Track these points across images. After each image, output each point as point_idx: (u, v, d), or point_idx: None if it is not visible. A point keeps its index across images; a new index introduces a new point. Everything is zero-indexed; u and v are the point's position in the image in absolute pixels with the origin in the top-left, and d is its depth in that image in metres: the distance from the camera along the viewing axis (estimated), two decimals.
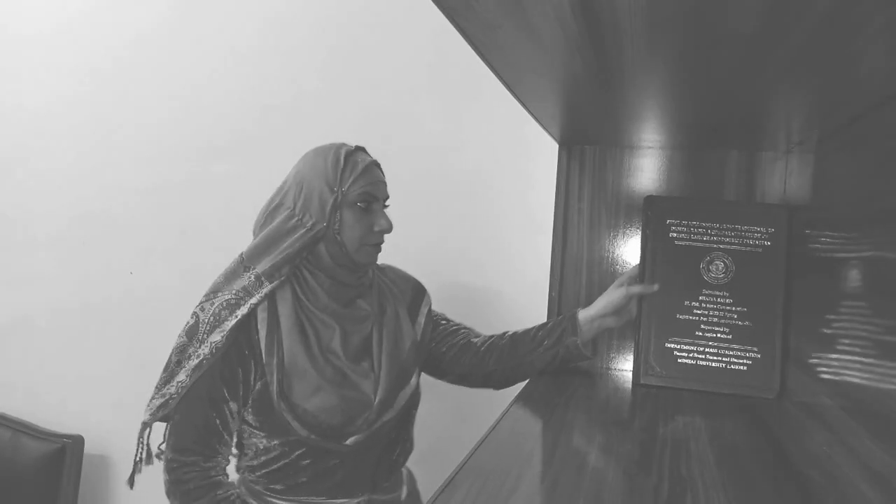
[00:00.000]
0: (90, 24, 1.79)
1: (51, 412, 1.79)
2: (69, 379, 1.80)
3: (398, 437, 1.04)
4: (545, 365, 1.05)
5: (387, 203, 1.04)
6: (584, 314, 1.04)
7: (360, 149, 1.04)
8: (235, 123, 1.70)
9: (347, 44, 1.63)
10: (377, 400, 0.98)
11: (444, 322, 1.13)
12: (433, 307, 1.13)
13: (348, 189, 0.98)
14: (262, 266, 0.97)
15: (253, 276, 0.98)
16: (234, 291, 0.98)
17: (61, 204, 1.81)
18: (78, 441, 1.68)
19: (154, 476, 1.85)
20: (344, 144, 1.03)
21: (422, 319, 1.09)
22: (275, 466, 0.97)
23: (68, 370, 1.80)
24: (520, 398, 0.94)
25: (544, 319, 1.16)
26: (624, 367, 1.14)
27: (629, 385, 1.05)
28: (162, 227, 1.75)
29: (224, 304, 0.97)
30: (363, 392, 0.98)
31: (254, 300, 0.96)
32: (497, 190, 1.53)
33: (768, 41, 0.52)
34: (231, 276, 0.99)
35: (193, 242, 1.74)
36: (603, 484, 0.61)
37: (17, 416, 1.75)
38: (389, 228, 1.00)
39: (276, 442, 0.96)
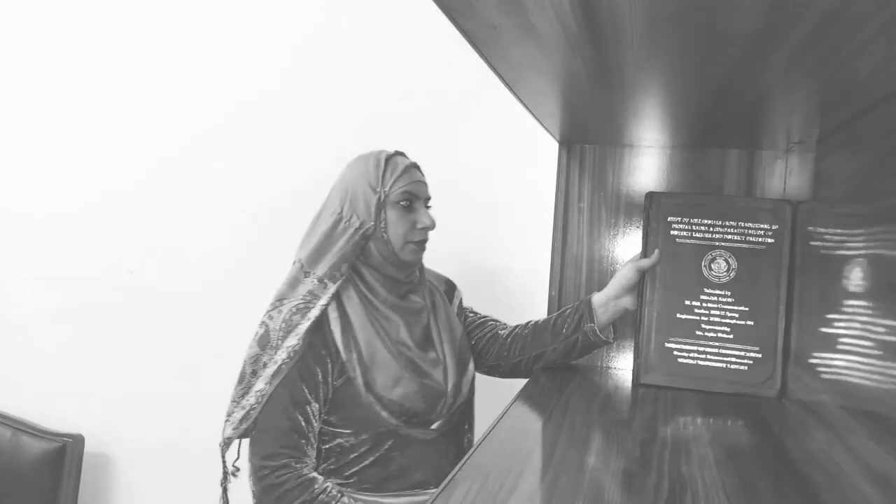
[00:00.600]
0: (90, 24, 1.79)
1: (51, 411, 1.79)
2: (69, 378, 1.80)
3: (467, 423, 1.10)
4: (567, 353, 1.07)
5: (429, 204, 1.09)
6: (597, 298, 1.05)
7: (400, 153, 1.09)
8: (236, 123, 1.70)
9: (348, 45, 1.63)
10: (450, 386, 1.03)
11: (471, 314, 1.19)
12: None
13: (390, 189, 1.03)
14: (322, 269, 1.01)
15: (316, 280, 1.01)
16: (300, 296, 1.00)
17: (61, 203, 1.81)
18: (78, 440, 1.68)
19: (155, 475, 1.85)
20: (384, 150, 1.08)
21: (455, 311, 1.15)
22: (365, 463, 0.98)
23: (69, 369, 1.80)
24: (520, 397, 0.94)
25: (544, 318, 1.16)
26: (624, 366, 1.14)
27: (629, 384, 1.05)
28: (162, 226, 1.75)
29: (294, 309, 0.99)
30: (436, 380, 1.02)
31: (323, 301, 1.00)
32: (497, 189, 1.53)
33: (768, 40, 0.52)
34: (294, 282, 1.03)
35: (194, 242, 1.74)
36: (603, 483, 0.61)
37: (18, 415, 1.75)
38: (432, 225, 1.05)
39: (364, 437, 0.97)
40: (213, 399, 1.70)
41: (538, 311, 1.20)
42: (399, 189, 1.03)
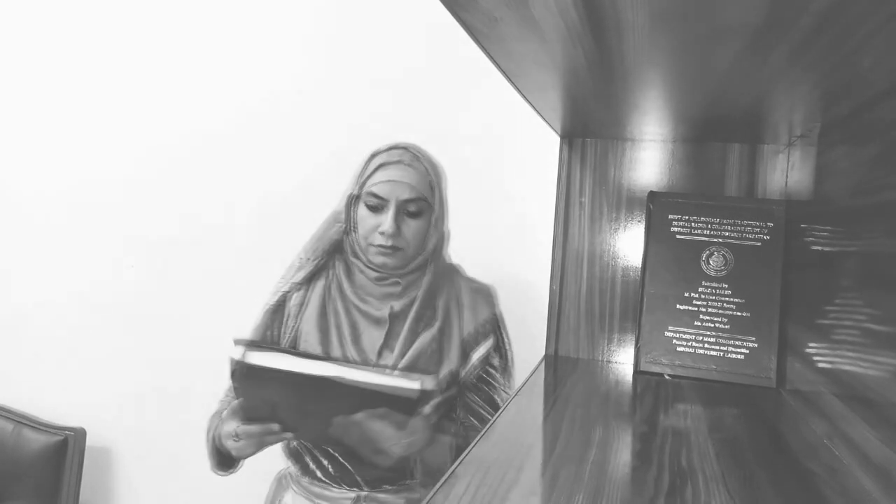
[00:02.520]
0: (89, 21, 1.78)
1: (53, 404, 1.80)
2: (71, 372, 1.81)
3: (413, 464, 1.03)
4: None
5: (411, 207, 1.01)
6: None
7: (397, 147, 1.04)
8: (235, 118, 1.69)
9: (347, 37, 1.62)
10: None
11: (482, 376, 1.05)
12: None
13: (362, 187, 1.02)
14: (305, 256, 1.06)
15: (295, 268, 1.08)
16: (284, 279, 1.08)
17: (63, 198, 1.81)
18: (80, 433, 1.69)
19: (156, 469, 1.86)
20: (392, 144, 1.05)
21: (475, 356, 1.04)
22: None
23: (70, 363, 1.81)
24: (520, 390, 0.95)
25: (545, 313, 1.17)
26: (625, 359, 1.15)
27: (629, 378, 1.05)
28: (163, 220, 1.75)
29: (275, 289, 1.08)
30: None
31: (285, 288, 1.05)
32: (498, 183, 1.53)
33: (771, 32, 0.52)
34: (291, 265, 1.10)
35: (194, 236, 1.74)
36: (603, 476, 0.61)
37: (20, 409, 1.76)
38: (387, 231, 0.99)
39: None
40: (214, 393, 1.70)
41: (539, 305, 1.20)
42: (368, 189, 1.01)
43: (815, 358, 0.85)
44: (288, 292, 1.04)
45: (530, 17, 0.52)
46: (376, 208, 1.00)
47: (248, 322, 1.70)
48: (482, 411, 1.04)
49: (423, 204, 1.02)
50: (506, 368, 1.10)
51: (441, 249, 1.06)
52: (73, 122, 1.81)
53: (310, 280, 1.03)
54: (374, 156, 1.03)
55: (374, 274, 1.02)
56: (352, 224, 1.02)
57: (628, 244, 1.16)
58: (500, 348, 1.09)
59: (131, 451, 1.80)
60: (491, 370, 1.06)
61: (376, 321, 1.03)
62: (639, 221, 1.15)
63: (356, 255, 1.02)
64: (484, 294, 1.09)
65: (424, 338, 1.01)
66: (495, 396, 1.06)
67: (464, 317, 1.05)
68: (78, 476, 1.68)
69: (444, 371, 1.00)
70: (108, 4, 1.77)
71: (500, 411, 0.83)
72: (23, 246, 1.84)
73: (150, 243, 1.76)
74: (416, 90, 1.57)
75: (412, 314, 1.02)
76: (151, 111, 1.75)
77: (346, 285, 1.03)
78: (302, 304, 1.03)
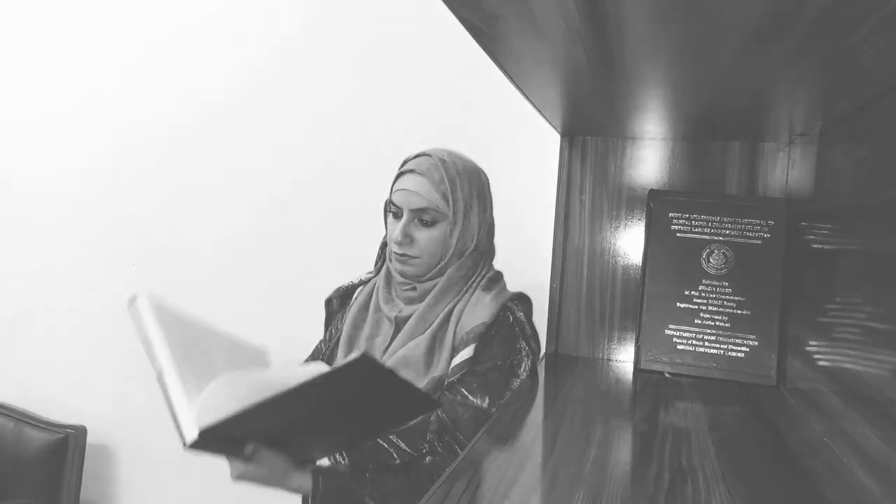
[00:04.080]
0: (87, 22, 1.78)
1: (54, 402, 1.80)
2: (72, 369, 1.81)
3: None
4: None
5: (425, 217, 0.99)
6: None
7: (422, 154, 1.03)
8: (233, 117, 1.69)
9: (347, 35, 1.62)
10: None
11: (462, 378, 0.96)
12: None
13: (391, 194, 1.04)
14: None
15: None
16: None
17: (63, 196, 1.81)
18: (81, 431, 1.69)
19: (156, 466, 1.86)
20: (424, 151, 1.04)
21: (452, 364, 0.96)
22: None
23: (71, 361, 1.81)
24: (520, 389, 0.95)
25: (545, 311, 1.17)
26: (625, 357, 1.15)
27: (630, 376, 1.05)
28: (163, 218, 1.75)
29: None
30: None
31: (359, 286, 1.14)
32: (498, 181, 1.53)
33: (772, 30, 0.52)
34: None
35: (194, 233, 1.74)
36: (603, 474, 0.61)
37: (21, 407, 1.76)
38: (395, 239, 1.00)
39: None
40: None
41: (539, 303, 1.20)
42: (391, 196, 1.03)
43: (816, 356, 0.85)
44: (357, 287, 1.14)
45: (530, 14, 0.52)
46: (397, 216, 1.02)
47: (247, 322, 1.69)
48: (438, 425, 0.93)
49: (436, 214, 1.00)
50: (485, 384, 0.94)
51: (462, 257, 1.03)
52: (73, 121, 1.81)
53: (371, 278, 1.12)
54: (403, 163, 1.05)
55: (399, 278, 1.04)
56: (386, 230, 1.07)
57: (629, 242, 1.16)
58: (480, 361, 0.95)
59: (132, 449, 1.80)
60: (469, 380, 0.95)
61: (389, 321, 1.06)
62: (639, 220, 1.15)
63: (390, 260, 1.05)
64: (484, 301, 1.01)
65: (414, 342, 1.00)
66: (464, 414, 0.93)
67: (462, 324, 0.99)
68: (79, 474, 1.68)
69: (429, 377, 0.97)
70: (98, 5, 1.77)
71: (500, 408, 0.83)
72: (23, 244, 1.85)
73: (152, 241, 1.76)
74: (415, 88, 1.57)
75: (413, 318, 1.02)
76: (153, 110, 1.75)
77: (380, 286, 1.08)
78: (357, 298, 1.11)
